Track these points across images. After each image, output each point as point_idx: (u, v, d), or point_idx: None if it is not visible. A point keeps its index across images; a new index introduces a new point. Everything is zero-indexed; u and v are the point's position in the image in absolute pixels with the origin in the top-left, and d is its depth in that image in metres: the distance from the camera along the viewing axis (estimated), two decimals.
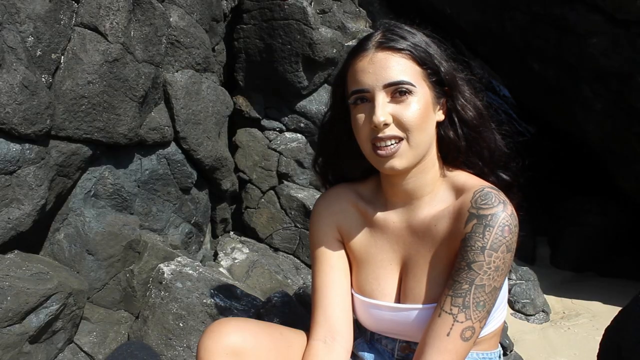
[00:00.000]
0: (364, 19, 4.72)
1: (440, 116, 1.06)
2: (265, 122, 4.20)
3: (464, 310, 0.94)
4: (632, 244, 5.72)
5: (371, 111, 0.99)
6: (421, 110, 1.00)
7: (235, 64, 4.12)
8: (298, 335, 1.15)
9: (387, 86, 1.00)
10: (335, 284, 1.14)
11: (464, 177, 1.06)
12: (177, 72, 3.12)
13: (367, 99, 1.02)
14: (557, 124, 6.14)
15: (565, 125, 5.91)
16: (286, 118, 4.18)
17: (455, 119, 1.06)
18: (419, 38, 1.05)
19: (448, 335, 0.94)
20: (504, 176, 1.10)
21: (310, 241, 1.21)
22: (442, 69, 1.04)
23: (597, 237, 5.81)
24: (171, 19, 3.04)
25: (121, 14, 2.57)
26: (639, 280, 5.21)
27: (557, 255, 5.99)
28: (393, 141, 0.99)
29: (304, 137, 4.14)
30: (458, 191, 1.04)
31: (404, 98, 0.99)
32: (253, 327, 1.08)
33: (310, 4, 3.97)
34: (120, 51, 2.55)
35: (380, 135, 0.99)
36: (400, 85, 0.99)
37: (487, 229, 0.94)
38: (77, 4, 2.44)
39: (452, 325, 0.94)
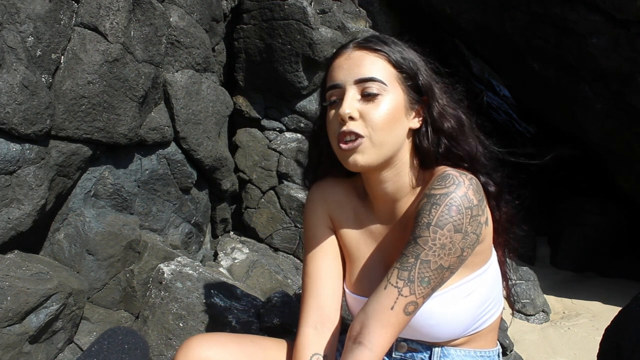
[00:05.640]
0: (364, 19, 4.71)
1: (415, 123, 1.07)
2: (265, 122, 4.20)
3: (408, 284, 0.95)
4: (632, 244, 5.72)
5: (340, 106, 1.02)
6: (390, 111, 1.01)
7: (235, 64, 4.12)
8: (275, 343, 1.18)
9: (358, 82, 1.02)
10: (326, 270, 1.17)
11: (438, 168, 1.06)
12: (177, 72, 3.12)
13: (340, 99, 1.04)
14: (557, 124, 6.14)
15: (565, 125, 5.91)
16: (286, 118, 4.18)
17: (430, 128, 1.07)
18: (401, 47, 1.07)
19: (392, 309, 0.95)
20: (490, 186, 1.10)
21: (304, 227, 1.24)
22: (420, 75, 1.05)
23: (597, 237, 5.81)
24: (171, 19, 3.04)
25: (121, 14, 2.57)
26: (639, 280, 5.21)
27: (557, 255, 5.99)
28: (355, 136, 1.01)
29: (304, 137, 4.14)
30: (428, 180, 1.05)
31: (374, 99, 1.01)
32: (221, 339, 1.13)
33: (310, 4, 3.97)
34: (120, 51, 2.55)
35: (344, 128, 1.01)
36: (371, 82, 1.01)
37: (434, 207, 0.95)
38: (77, 4, 2.44)
39: (397, 298, 0.95)
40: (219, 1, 3.76)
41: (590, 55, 4.90)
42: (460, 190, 0.95)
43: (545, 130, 7.33)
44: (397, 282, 0.96)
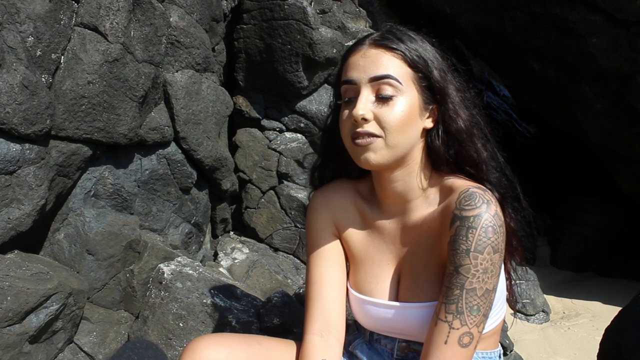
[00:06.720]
0: (364, 19, 4.72)
1: (429, 123, 1.06)
2: (265, 122, 4.20)
3: (458, 316, 0.93)
4: (632, 244, 5.73)
5: (354, 106, 1.01)
6: (404, 113, 1.00)
7: (235, 64, 4.12)
8: (281, 344, 1.17)
9: (372, 80, 1.01)
10: (330, 277, 1.16)
11: (453, 179, 1.06)
12: (177, 72, 3.12)
13: (354, 97, 1.03)
14: (557, 124, 6.14)
15: (565, 125, 5.91)
16: (286, 118, 4.18)
17: (441, 128, 1.06)
18: (418, 44, 1.05)
19: (446, 343, 0.94)
20: (495, 192, 1.09)
21: (307, 234, 1.22)
22: (434, 76, 1.04)
23: (597, 237, 5.81)
24: (171, 19, 3.04)
25: (121, 14, 2.57)
26: (639, 280, 5.21)
27: (557, 255, 5.99)
28: (369, 136, 1.00)
29: (304, 137, 4.14)
30: (447, 192, 1.04)
31: (389, 101, 1.00)
32: (228, 340, 1.11)
33: (310, 4, 3.97)
34: (120, 51, 2.55)
35: (358, 130, 1.00)
36: (387, 81, 1.00)
37: (470, 231, 0.94)
38: (77, 4, 2.44)
39: (449, 332, 0.94)
40: (219, 1, 3.76)
41: (590, 55, 4.90)
42: (492, 209, 0.94)
43: (545, 130, 7.33)
44: (446, 317, 0.94)
